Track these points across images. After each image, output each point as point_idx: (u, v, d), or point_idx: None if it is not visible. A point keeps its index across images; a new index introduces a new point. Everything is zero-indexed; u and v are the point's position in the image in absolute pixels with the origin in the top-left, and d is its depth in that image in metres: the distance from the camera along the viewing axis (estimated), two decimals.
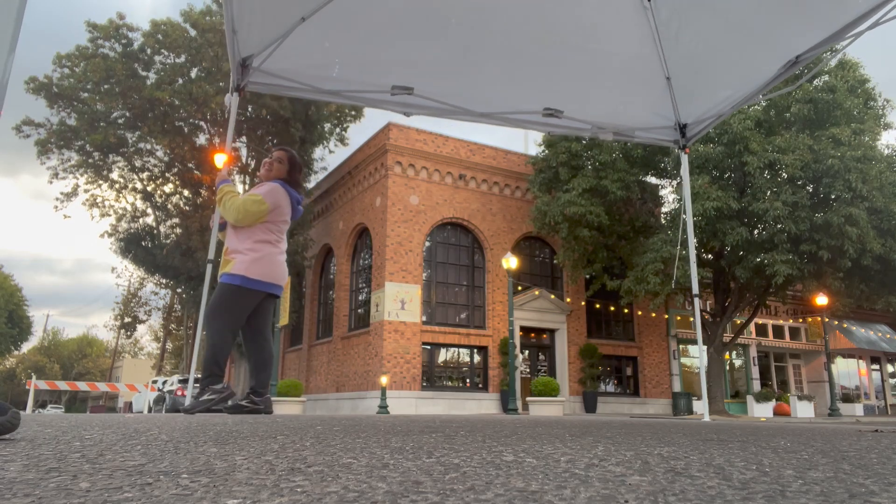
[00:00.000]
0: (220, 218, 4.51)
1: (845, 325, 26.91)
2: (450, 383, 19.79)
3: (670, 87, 5.84)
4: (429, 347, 19.35)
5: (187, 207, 22.38)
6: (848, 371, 29.19)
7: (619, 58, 5.56)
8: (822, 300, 20.61)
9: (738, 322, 21.64)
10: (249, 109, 21.97)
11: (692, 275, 6.62)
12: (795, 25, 4.73)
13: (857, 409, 27.21)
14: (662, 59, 5.53)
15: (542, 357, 21.70)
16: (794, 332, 27.97)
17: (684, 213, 6.68)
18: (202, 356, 4.37)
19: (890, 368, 31.18)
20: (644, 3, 5.09)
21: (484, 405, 19.28)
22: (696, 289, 6.56)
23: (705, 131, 6.43)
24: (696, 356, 25.14)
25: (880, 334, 28.78)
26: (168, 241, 21.95)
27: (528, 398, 15.56)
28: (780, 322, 27.50)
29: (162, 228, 22.80)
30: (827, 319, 23.82)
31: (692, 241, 6.77)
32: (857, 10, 4.30)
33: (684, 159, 6.52)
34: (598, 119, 6.17)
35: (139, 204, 23.27)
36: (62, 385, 25.35)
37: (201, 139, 22.66)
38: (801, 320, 27.92)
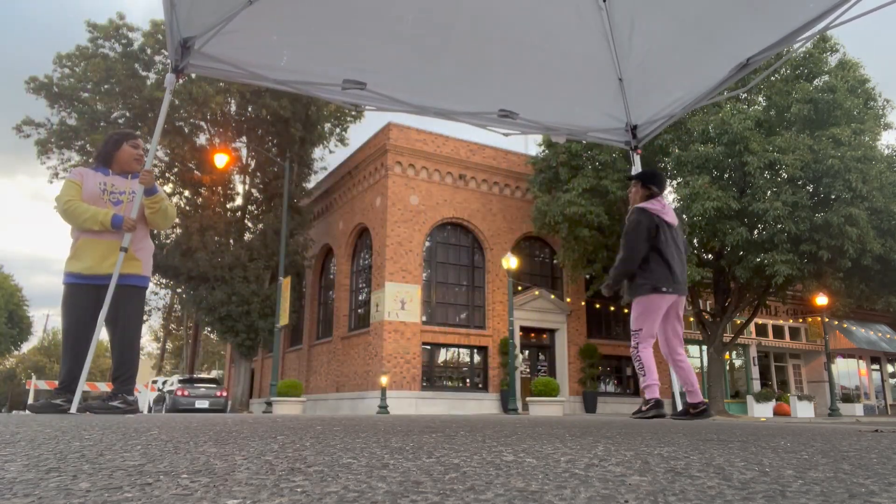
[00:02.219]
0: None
1: (845, 325, 26.91)
2: (450, 383, 19.79)
3: (622, 88, 5.84)
4: (429, 347, 19.35)
5: (187, 207, 22.38)
6: (848, 371, 29.20)
7: (574, 58, 5.52)
8: (822, 300, 20.61)
9: (738, 322, 21.64)
10: (249, 109, 21.97)
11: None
12: (746, 28, 4.77)
13: (857, 409, 27.21)
14: (615, 60, 5.50)
15: (542, 357, 21.70)
16: (794, 332, 27.97)
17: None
18: (123, 361, 4.21)
19: (890, 368, 31.19)
20: (599, 3, 5.06)
21: (484, 405, 19.28)
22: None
23: (656, 133, 6.45)
24: (696, 356, 25.15)
25: (880, 334, 28.79)
26: (168, 241, 21.95)
27: (528, 398, 15.56)
28: (780, 322, 27.50)
29: None
30: (827, 319, 23.82)
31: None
32: (806, 15, 4.38)
33: (636, 160, 6.54)
34: (551, 120, 6.16)
35: None
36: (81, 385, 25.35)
37: (201, 139, 22.67)
38: (801, 320, 27.92)
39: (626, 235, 4.73)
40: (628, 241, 4.71)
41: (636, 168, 6.48)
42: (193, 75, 20.43)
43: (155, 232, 22.36)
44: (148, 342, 68.03)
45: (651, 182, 4.95)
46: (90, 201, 4.13)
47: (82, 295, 4.01)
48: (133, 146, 4.33)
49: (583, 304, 22.10)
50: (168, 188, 23.27)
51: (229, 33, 4.59)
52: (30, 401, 22.01)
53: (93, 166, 4.45)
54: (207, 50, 4.74)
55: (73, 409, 3.88)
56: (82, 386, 3.98)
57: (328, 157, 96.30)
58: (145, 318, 45.54)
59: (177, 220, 22.47)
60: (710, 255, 20.02)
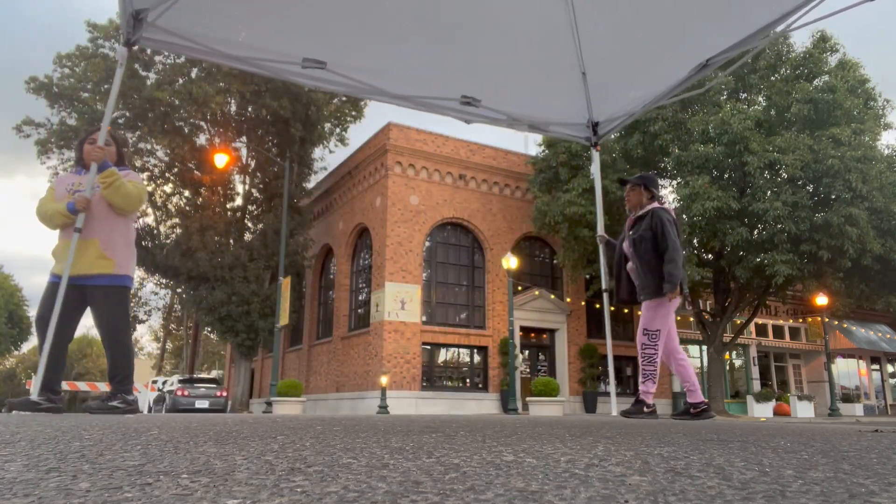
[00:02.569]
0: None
1: (845, 325, 26.91)
2: (450, 383, 19.79)
3: (585, 83, 5.78)
4: (429, 347, 19.35)
5: (187, 207, 22.38)
6: (848, 371, 29.20)
7: (538, 49, 5.43)
8: (822, 300, 20.61)
9: (738, 322, 21.64)
10: (249, 109, 21.97)
11: (602, 274, 6.62)
12: (707, 29, 4.81)
13: (857, 409, 27.21)
14: (579, 54, 5.43)
15: (542, 357, 21.70)
16: (794, 332, 27.97)
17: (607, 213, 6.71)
18: (115, 362, 4.19)
19: (890, 368, 31.19)
20: None
21: (484, 405, 19.28)
22: (605, 283, 6.69)
23: (615, 130, 6.48)
24: (696, 356, 25.14)
25: (880, 334, 28.78)
26: (168, 241, 21.95)
27: (528, 398, 15.56)
28: (780, 322, 27.50)
29: (162, 228, 22.82)
30: (827, 319, 23.82)
31: (601, 228, 6.77)
32: (765, 18, 4.48)
33: (595, 157, 6.55)
34: (514, 110, 6.07)
35: None
36: (62, 385, 25.36)
37: (201, 139, 22.67)
38: (801, 320, 27.92)
39: (665, 235, 4.76)
40: (671, 239, 4.74)
41: (596, 165, 6.53)
42: (193, 75, 20.44)
43: (156, 232, 22.38)
44: (148, 342, 68.01)
45: (654, 186, 5.00)
46: (59, 201, 4.17)
47: (55, 294, 4.01)
48: (90, 141, 4.30)
49: (583, 304, 22.10)
50: (168, 188, 23.29)
51: (184, 5, 4.39)
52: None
53: (74, 170, 4.48)
54: (161, 23, 4.54)
55: (34, 396, 3.90)
56: (40, 375, 3.94)
57: (328, 157, 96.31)
58: (145, 318, 45.53)
59: (177, 220, 22.50)
60: (710, 255, 20.02)
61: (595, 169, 6.69)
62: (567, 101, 6.02)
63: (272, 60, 5.13)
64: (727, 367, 24.60)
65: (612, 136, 19.78)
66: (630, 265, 5.07)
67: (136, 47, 4.68)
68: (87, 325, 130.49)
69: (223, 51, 4.93)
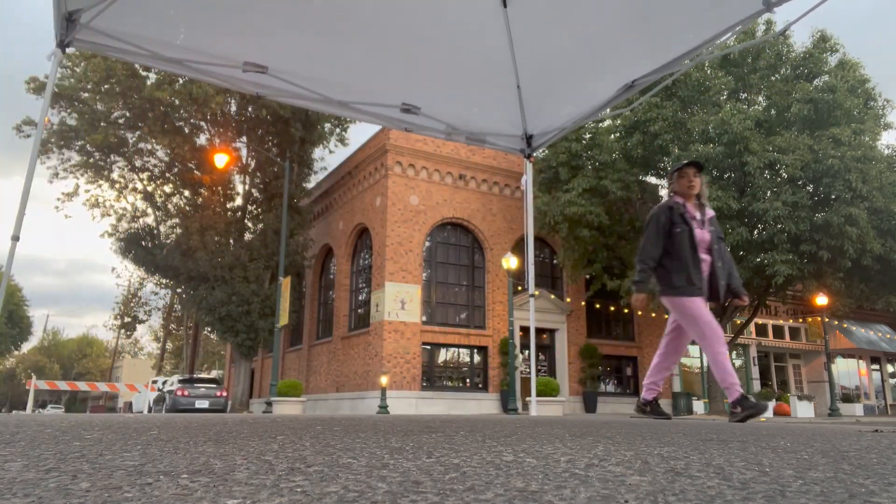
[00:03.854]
0: None
1: (845, 325, 26.90)
2: (450, 383, 19.78)
3: (520, 96, 5.86)
4: (429, 347, 19.35)
5: (187, 207, 22.38)
6: (848, 371, 29.19)
7: (476, 59, 5.46)
8: (822, 300, 20.61)
9: (738, 322, 21.64)
10: (249, 109, 21.97)
11: (529, 277, 6.58)
12: (633, 52, 5.01)
13: (857, 409, 27.20)
14: (515, 68, 5.50)
15: (542, 357, 21.70)
16: (794, 332, 27.97)
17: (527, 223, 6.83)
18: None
19: (890, 368, 31.18)
20: (502, 6, 5.00)
21: (484, 405, 19.28)
22: (531, 289, 6.68)
23: (548, 143, 6.61)
24: (696, 356, 25.15)
25: (880, 334, 28.78)
26: (168, 241, 21.95)
27: (528, 398, 15.55)
28: (780, 322, 27.49)
29: (162, 228, 22.81)
30: (827, 319, 23.81)
31: (531, 248, 6.82)
32: (686, 45, 4.72)
33: (528, 168, 6.66)
34: (452, 120, 6.12)
35: (139, 204, 23.29)
36: (62, 385, 25.37)
37: (201, 139, 22.67)
38: (801, 320, 27.92)
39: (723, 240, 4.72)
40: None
41: (529, 176, 6.64)
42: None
43: (156, 232, 22.39)
44: (148, 342, 68.01)
45: None
46: None
47: None
48: None
49: (583, 304, 22.10)
50: (168, 188, 23.29)
51: (120, 6, 4.25)
52: (30, 401, 21.88)
53: None
54: (96, 24, 4.39)
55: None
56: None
57: (328, 157, 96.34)
58: (145, 318, 45.54)
59: (177, 220, 22.50)
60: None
61: (528, 181, 6.82)
62: (503, 113, 6.11)
63: (212, 63, 5.02)
64: None
65: (612, 136, 19.77)
66: (702, 257, 4.65)
67: (68, 49, 4.50)
68: (86, 324, 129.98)
69: (161, 53, 4.79)
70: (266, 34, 4.93)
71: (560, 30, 5.02)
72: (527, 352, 20.92)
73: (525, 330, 20.97)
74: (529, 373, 6.69)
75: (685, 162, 4.70)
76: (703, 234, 4.62)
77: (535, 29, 5.10)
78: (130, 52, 4.75)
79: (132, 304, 44.70)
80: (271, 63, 5.05)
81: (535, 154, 6.56)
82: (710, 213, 4.75)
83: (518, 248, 21.32)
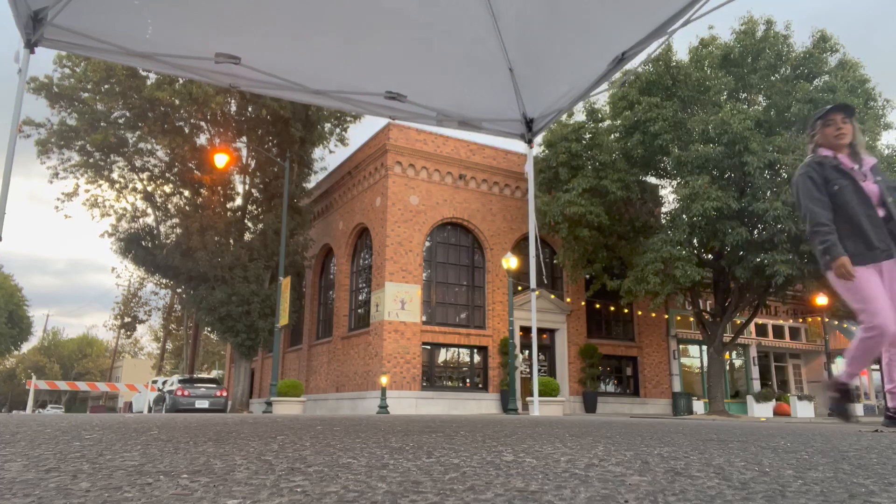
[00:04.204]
0: None
1: (845, 325, 26.89)
2: (450, 383, 19.78)
3: (514, 79, 5.67)
4: (429, 347, 19.35)
5: (187, 207, 22.37)
6: None
7: (464, 43, 5.27)
8: (822, 300, 20.61)
9: (738, 322, 21.64)
10: (249, 109, 21.97)
11: (531, 272, 6.38)
12: (620, 22, 4.83)
13: (857, 409, 27.20)
14: (504, 50, 5.31)
15: (542, 357, 21.70)
16: (794, 332, 27.97)
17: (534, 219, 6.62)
18: None
19: None
20: None
21: (484, 405, 19.28)
22: (533, 283, 6.44)
23: (547, 126, 6.44)
24: (696, 356, 25.15)
25: None
26: (168, 242, 21.94)
27: (528, 398, 15.55)
28: (780, 322, 27.49)
29: (162, 228, 22.80)
30: (827, 319, 23.82)
31: (533, 236, 6.60)
32: (674, 7, 4.50)
33: (530, 154, 6.47)
34: (442, 106, 5.91)
35: (139, 204, 23.28)
36: (62, 385, 25.36)
37: (201, 139, 22.66)
38: (801, 320, 27.91)
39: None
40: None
41: (530, 162, 6.49)
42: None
43: (156, 232, 22.39)
44: (148, 342, 68.00)
45: None
46: None
47: None
48: None
49: (583, 304, 22.10)
50: (168, 188, 23.28)
51: (85, 3, 4.16)
52: (30, 401, 21.87)
53: None
54: (61, 21, 4.29)
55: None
56: None
57: (328, 157, 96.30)
58: (145, 318, 45.54)
59: (177, 220, 22.49)
60: (710, 255, 20.02)
61: (529, 167, 6.64)
62: (498, 97, 5.90)
63: (183, 56, 4.87)
64: (727, 367, 24.59)
65: (612, 136, 19.77)
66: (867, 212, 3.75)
67: (37, 49, 4.40)
68: (86, 324, 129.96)
69: (130, 48, 4.68)
70: (237, 23, 4.76)
71: (543, 7, 4.87)
72: (527, 352, 20.92)
73: (525, 330, 20.97)
74: (530, 373, 6.65)
75: (829, 108, 3.98)
76: (870, 187, 3.78)
77: (518, 8, 4.95)
78: (99, 49, 4.65)
79: (132, 304, 44.71)
80: (244, 53, 4.89)
81: (533, 139, 6.38)
82: (869, 161, 3.90)
83: (518, 248, 21.32)
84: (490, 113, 6.16)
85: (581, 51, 5.26)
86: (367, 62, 5.32)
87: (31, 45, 4.28)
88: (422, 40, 5.16)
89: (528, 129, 6.28)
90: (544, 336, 21.67)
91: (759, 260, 17.46)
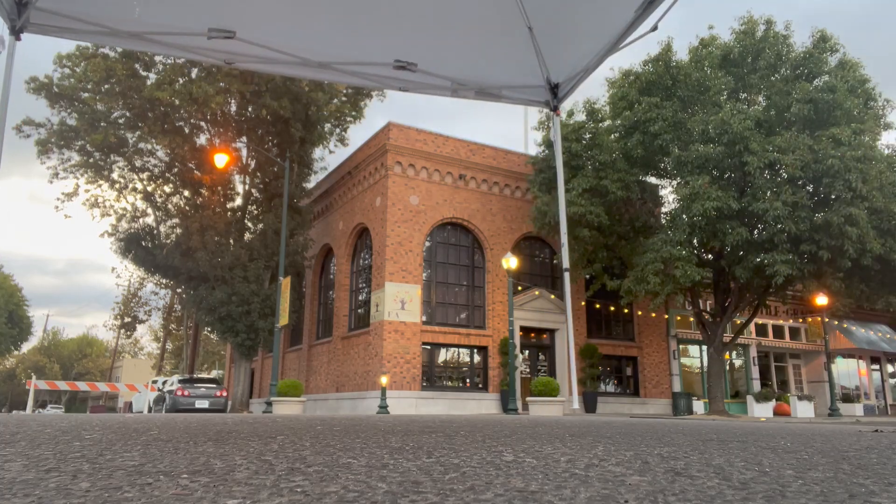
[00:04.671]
0: None
1: (845, 325, 26.90)
2: (450, 383, 19.79)
3: (534, 39, 5.15)
4: (429, 347, 19.35)
5: (187, 207, 22.37)
6: (848, 371, 29.19)
7: (478, 1, 4.88)
8: (822, 300, 20.60)
9: (738, 322, 21.65)
10: (249, 109, 21.97)
11: (563, 250, 5.66)
12: None
13: (857, 409, 27.20)
14: (521, 6, 4.87)
15: (542, 357, 21.70)
16: (794, 332, 27.97)
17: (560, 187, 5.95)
18: None
19: (890, 368, 31.18)
20: None
21: (484, 405, 19.28)
22: (566, 262, 5.81)
23: (575, 89, 5.83)
24: (696, 356, 25.15)
25: (880, 334, 28.78)
26: (168, 242, 21.94)
27: (528, 398, 15.56)
28: (780, 322, 27.49)
29: (162, 228, 22.80)
30: (827, 319, 23.81)
31: (562, 205, 6.00)
32: None
33: (556, 122, 5.96)
34: (458, 74, 5.48)
35: (139, 204, 23.28)
36: (62, 385, 25.38)
37: (201, 139, 22.67)
38: (801, 320, 27.91)
39: None
40: None
41: (556, 130, 6.07)
42: (193, 75, 20.44)
43: (156, 232, 22.39)
44: (148, 342, 68.02)
45: None
46: None
47: None
48: None
49: (583, 304, 22.10)
50: (168, 188, 23.29)
51: None
52: (30, 401, 21.87)
53: None
54: (46, 4, 4.17)
55: None
56: None
57: (328, 157, 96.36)
58: (145, 318, 45.54)
59: (177, 220, 22.50)
60: (710, 255, 20.01)
61: (556, 137, 6.28)
62: (518, 61, 5.39)
63: (174, 34, 4.68)
64: (727, 367, 24.60)
65: (612, 136, 19.75)
66: None
67: (23, 35, 4.28)
68: (86, 324, 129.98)
69: (119, 28, 4.54)
70: None
71: None
72: (527, 352, 20.92)
73: (525, 330, 20.98)
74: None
75: None
76: None
77: None
78: (87, 32, 4.52)
79: (132, 304, 44.72)
80: (239, 27, 4.64)
81: (560, 106, 5.82)
82: None
83: (518, 248, 21.33)
84: (510, 79, 5.66)
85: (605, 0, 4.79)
86: (372, 29, 4.98)
87: (16, 32, 4.16)
88: (434, 4, 4.83)
89: (554, 94, 5.77)
90: (544, 336, 21.68)
91: (759, 260, 17.46)
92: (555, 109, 5.86)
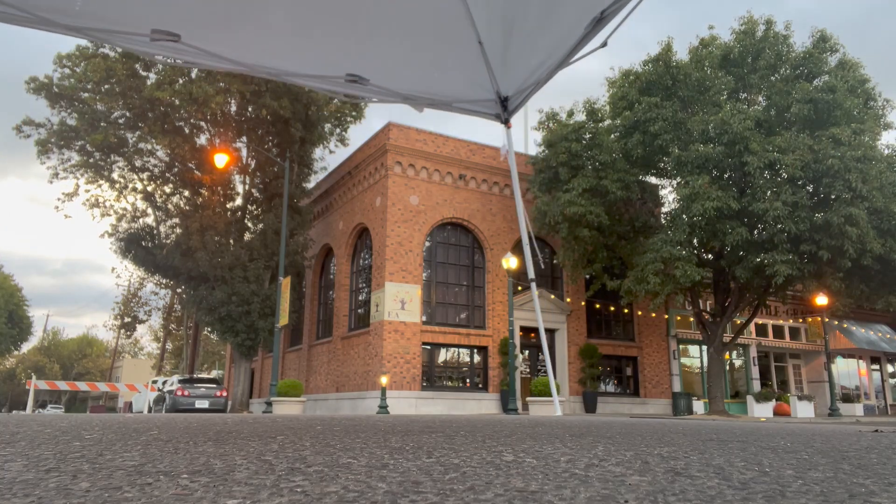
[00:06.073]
0: None
1: (845, 325, 26.89)
2: (450, 383, 19.78)
3: (484, 54, 5.15)
4: (429, 347, 19.35)
5: (187, 207, 22.37)
6: (848, 371, 29.19)
7: (428, 16, 4.85)
8: (822, 300, 20.61)
9: (738, 322, 21.64)
10: (249, 109, 21.97)
11: (527, 262, 5.77)
12: None
13: (857, 409, 27.20)
14: (471, 18, 4.84)
15: (542, 357, 21.69)
16: (794, 332, 27.97)
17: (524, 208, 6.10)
18: None
19: (890, 368, 31.18)
20: None
21: (484, 405, 19.28)
22: (531, 272, 5.91)
23: (525, 102, 5.84)
24: (696, 356, 25.15)
25: (880, 334, 28.77)
26: (168, 242, 21.94)
27: (528, 398, 15.56)
28: (780, 322, 27.49)
29: (162, 228, 22.80)
30: (827, 319, 23.82)
31: (523, 225, 6.07)
32: None
33: (508, 134, 6.03)
34: (409, 87, 5.51)
35: (139, 204, 23.28)
36: (62, 385, 25.36)
37: (201, 139, 22.66)
38: (801, 320, 27.91)
39: None
40: None
41: (510, 141, 6.08)
42: (193, 75, 20.44)
43: (156, 232, 22.40)
44: (148, 342, 68.03)
45: None
46: None
47: None
48: None
49: (583, 304, 22.10)
50: (168, 188, 23.29)
51: None
52: (30, 401, 21.89)
53: None
54: None
55: None
56: None
57: (328, 157, 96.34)
58: (145, 318, 45.54)
59: (177, 220, 22.50)
60: (710, 255, 20.01)
61: (510, 150, 6.29)
62: (467, 73, 5.41)
63: (115, 32, 4.53)
64: (727, 367, 24.60)
65: (612, 136, 19.75)
66: None
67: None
68: (86, 324, 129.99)
69: (55, 20, 4.33)
70: None
71: None
72: (527, 352, 20.92)
73: (525, 330, 20.98)
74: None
75: None
76: None
77: None
78: (23, 19, 4.27)
79: (132, 304, 44.72)
80: (184, 30, 4.49)
81: (511, 119, 5.84)
82: None
83: (518, 247, 21.32)
84: (461, 93, 5.69)
85: (556, 15, 4.80)
86: (324, 42, 4.91)
87: None
88: (382, 15, 4.75)
89: (504, 108, 5.79)
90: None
91: (759, 260, 17.46)
92: (506, 122, 5.89)
